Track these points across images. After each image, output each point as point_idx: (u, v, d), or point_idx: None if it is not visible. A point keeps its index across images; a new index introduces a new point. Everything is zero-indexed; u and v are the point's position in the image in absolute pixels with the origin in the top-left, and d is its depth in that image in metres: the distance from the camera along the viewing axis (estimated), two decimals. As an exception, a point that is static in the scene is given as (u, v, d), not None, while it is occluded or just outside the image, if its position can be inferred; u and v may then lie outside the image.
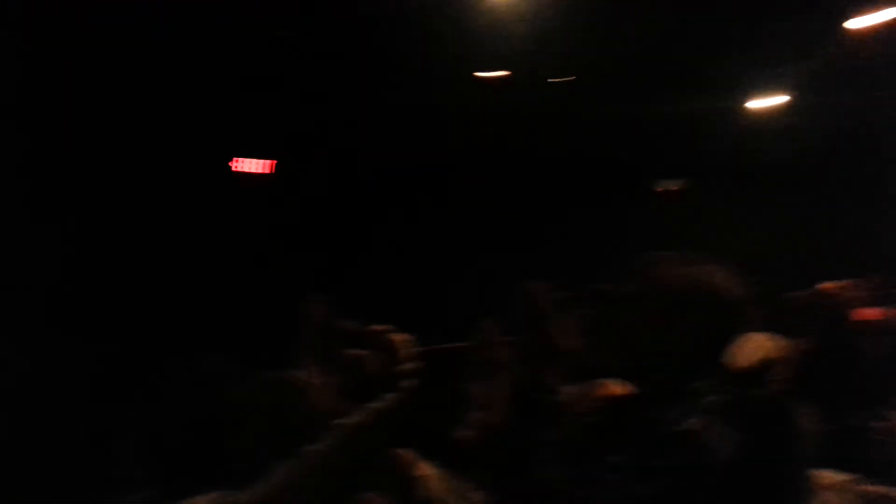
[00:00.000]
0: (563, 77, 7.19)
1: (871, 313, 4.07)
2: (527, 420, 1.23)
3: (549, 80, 7.22)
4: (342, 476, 1.57)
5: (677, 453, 1.18)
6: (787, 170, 8.60)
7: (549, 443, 1.20)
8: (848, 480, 1.53)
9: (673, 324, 1.32)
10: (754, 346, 3.28)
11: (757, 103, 7.74)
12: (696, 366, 1.33)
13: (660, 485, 1.14)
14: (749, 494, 1.21)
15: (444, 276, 7.01)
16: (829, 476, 1.56)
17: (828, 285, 3.47)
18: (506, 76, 7.05)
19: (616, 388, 1.47)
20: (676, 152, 8.76)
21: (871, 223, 8.22)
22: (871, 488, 1.38)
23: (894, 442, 1.64)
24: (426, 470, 1.73)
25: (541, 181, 8.06)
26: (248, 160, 7.29)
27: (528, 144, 7.96)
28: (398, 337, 3.31)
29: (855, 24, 6.27)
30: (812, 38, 6.22)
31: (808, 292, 3.04)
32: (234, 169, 7.25)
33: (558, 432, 1.21)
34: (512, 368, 1.30)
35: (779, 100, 7.55)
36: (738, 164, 8.65)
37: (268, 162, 7.28)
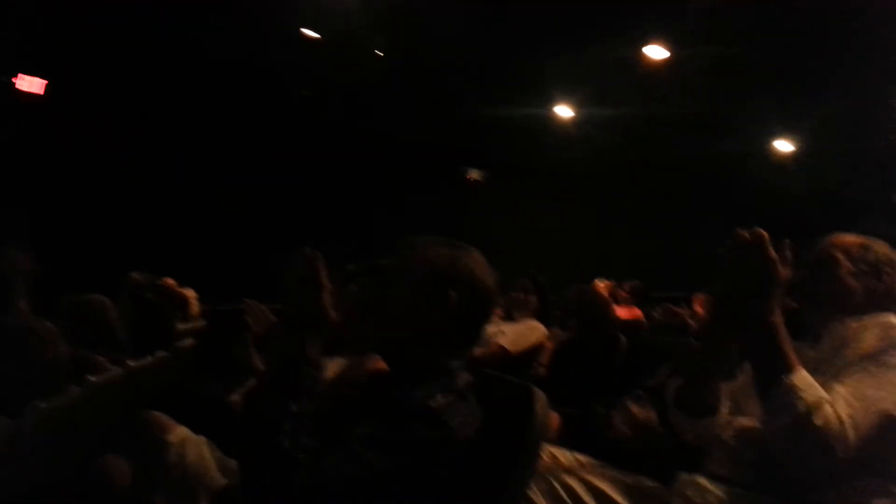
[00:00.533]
0: (385, 51, 7.16)
1: (627, 312, 4.57)
2: (284, 389, 1.21)
3: (374, 52, 7.15)
4: (84, 435, 1.46)
5: (421, 428, 1.23)
6: (585, 172, 9.31)
7: (302, 413, 1.19)
8: (585, 461, 1.67)
9: (429, 304, 1.38)
10: (523, 332, 3.55)
11: (565, 110, 8.27)
12: (449, 346, 1.39)
13: (401, 458, 1.18)
14: (485, 472, 1.29)
15: (230, 234, 6.72)
16: (566, 456, 1.69)
17: (594, 284, 3.83)
18: (326, 40, 6.88)
19: (375, 363, 1.49)
20: (485, 144, 9.12)
21: (653, 229, 9.19)
22: (607, 471, 1.53)
23: (631, 429, 1.83)
24: (181, 435, 1.65)
25: (346, 153, 8.02)
26: (27, 77, 6.47)
27: (339, 112, 7.85)
28: (184, 291, 3.14)
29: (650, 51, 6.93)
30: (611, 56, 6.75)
31: (575, 288, 3.31)
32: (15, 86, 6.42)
33: (312, 403, 1.21)
34: (276, 335, 1.28)
35: (588, 109, 8.12)
36: (540, 163, 9.21)
37: (42, 82, 6.50)
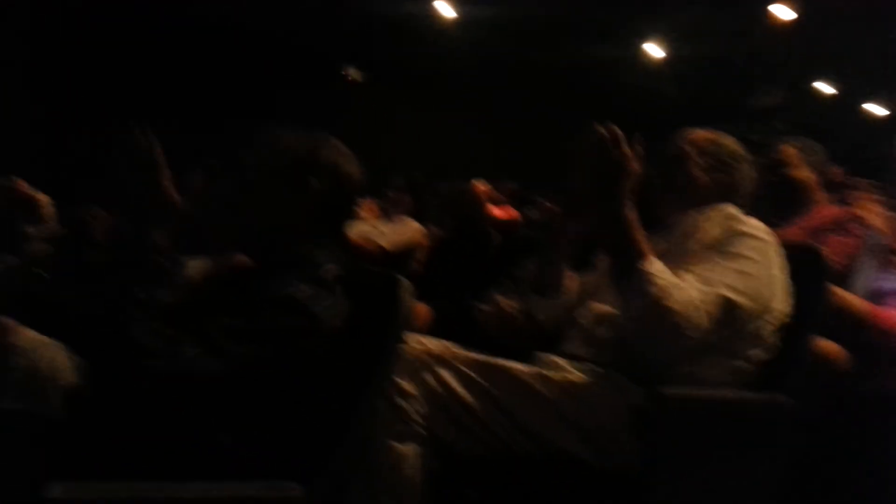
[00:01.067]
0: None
1: (504, 213, 4.68)
2: (130, 276, 1.16)
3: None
4: None
5: (283, 317, 1.22)
6: (466, 74, 9.23)
7: (152, 301, 1.15)
8: (454, 349, 1.72)
9: (290, 192, 1.35)
10: (399, 231, 3.58)
11: (447, 9, 8.06)
12: (313, 236, 1.38)
13: (262, 348, 1.18)
14: (351, 361, 1.31)
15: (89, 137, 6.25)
16: (435, 344, 1.74)
17: (471, 184, 3.88)
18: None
19: (239, 259, 1.46)
20: (365, 44, 8.81)
21: (531, 130, 9.33)
22: (472, 355, 1.58)
23: (495, 317, 1.90)
24: (30, 338, 1.55)
25: (218, 50, 7.54)
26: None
27: (222, 11, 7.32)
28: (36, 195, 2.91)
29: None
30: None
31: (451, 188, 3.35)
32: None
33: (163, 293, 1.16)
34: (122, 222, 1.22)
35: (469, 9, 7.94)
36: (421, 64, 9.03)
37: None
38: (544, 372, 1.57)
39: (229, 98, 7.23)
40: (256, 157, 1.40)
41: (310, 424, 1.29)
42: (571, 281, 1.86)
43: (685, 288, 1.49)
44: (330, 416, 1.30)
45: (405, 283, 1.38)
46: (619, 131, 1.53)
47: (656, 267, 1.49)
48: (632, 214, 1.52)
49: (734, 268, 1.54)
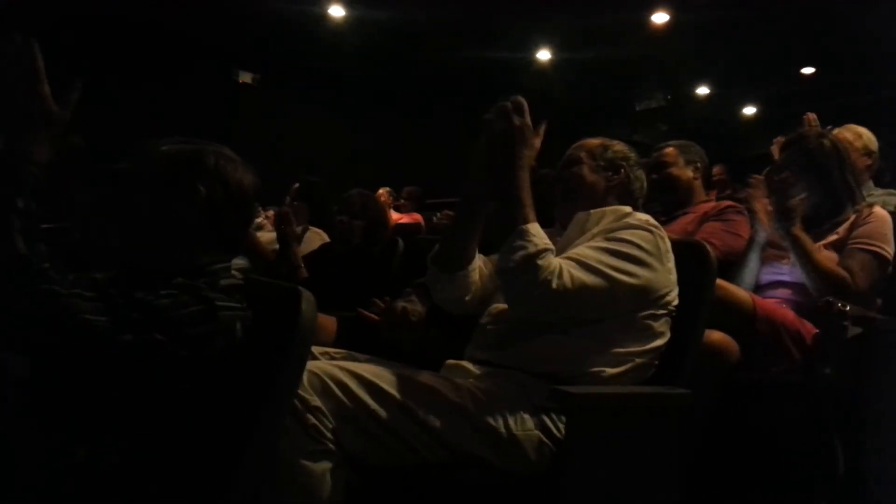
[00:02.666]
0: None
1: (407, 217, 4.68)
2: (7, 185, 1.12)
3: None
4: None
5: (185, 297, 1.21)
6: (359, 75, 9.14)
7: (30, 211, 1.12)
8: (360, 359, 1.68)
9: (176, 200, 1.30)
10: (309, 238, 3.49)
11: (338, 10, 7.95)
12: (206, 247, 1.33)
13: (163, 324, 1.18)
14: (253, 372, 1.27)
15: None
16: (342, 354, 1.70)
17: (378, 191, 3.86)
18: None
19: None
20: (256, 45, 8.58)
21: (426, 133, 9.36)
22: (377, 366, 1.56)
23: (395, 324, 1.88)
24: None
25: (120, 45, 7.17)
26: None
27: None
28: None
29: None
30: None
31: (357, 193, 3.31)
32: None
33: (38, 205, 1.12)
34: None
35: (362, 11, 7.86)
36: (314, 65, 8.88)
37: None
38: (451, 378, 1.57)
39: (112, 102, 6.86)
40: (135, 167, 1.35)
41: (208, 439, 1.24)
42: (481, 263, 1.86)
43: (562, 260, 1.54)
44: (230, 431, 1.25)
45: (307, 294, 1.35)
46: (523, 101, 1.62)
47: (536, 228, 1.56)
48: (524, 177, 1.58)
49: (621, 250, 1.60)
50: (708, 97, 10.47)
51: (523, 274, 1.50)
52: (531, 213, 1.56)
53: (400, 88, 9.55)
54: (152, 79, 7.58)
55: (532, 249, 1.51)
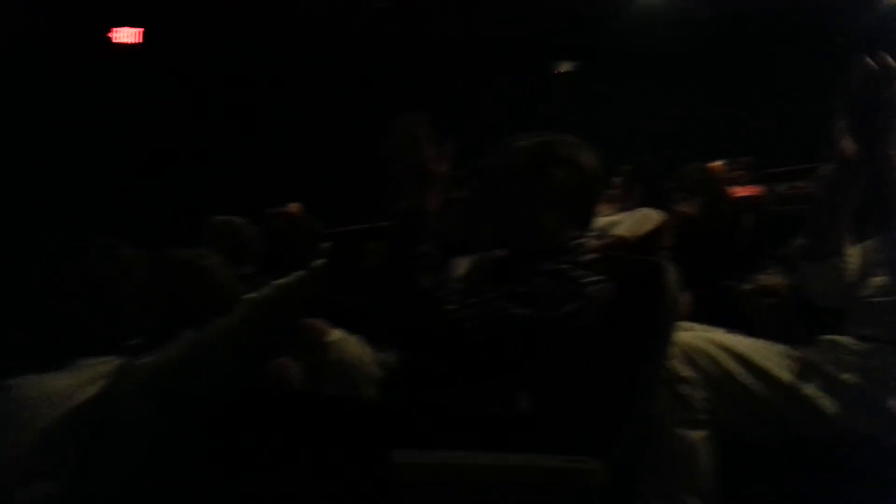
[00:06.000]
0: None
1: (745, 190, 4.41)
2: (411, 236, 1.29)
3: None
4: (251, 346, 1.62)
5: (554, 285, 1.31)
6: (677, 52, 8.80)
7: (431, 254, 1.27)
8: (721, 335, 1.69)
9: (535, 187, 1.44)
10: (639, 219, 3.52)
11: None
12: (563, 228, 1.44)
13: (541, 311, 1.27)
14: (622, 346, 1.35)
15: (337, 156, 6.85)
16: (703, 329, 1.73)
17: (713, 164, 3.71)
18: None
19: (497, 254, 1.57)
20: (570, 32, 8.72)
21: (755, 106, 8.68)
22: (746, 339, 1.56)
23: (762, 299, 1.84)
24: (338, 335, 1.80)
25: (433, 57, 7.90)
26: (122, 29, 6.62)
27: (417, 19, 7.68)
28: (303, 218, 3.32)
29: None
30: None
31: (693, 168, 3.24)
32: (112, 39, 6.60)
33: (438, 246, 1.30)
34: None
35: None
36: (630, 46, 8.76)
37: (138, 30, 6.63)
38: (832, 354, 1.49)
39: (451, 107, 7.58)
40: (496, 161, 1.51)
41: (591, 399, 1.34)
42: (853, 251, 1.72)
43: None
44: (611, 394, 1.34)
45: (670, 267, 1.40)
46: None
47: None
48: None
49: None
50: None
51: None
52: None
53: (720, 61, 8.93)
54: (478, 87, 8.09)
55: None
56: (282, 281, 1.66)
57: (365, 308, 2.01)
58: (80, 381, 1.30)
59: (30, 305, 1.40)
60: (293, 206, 3.29)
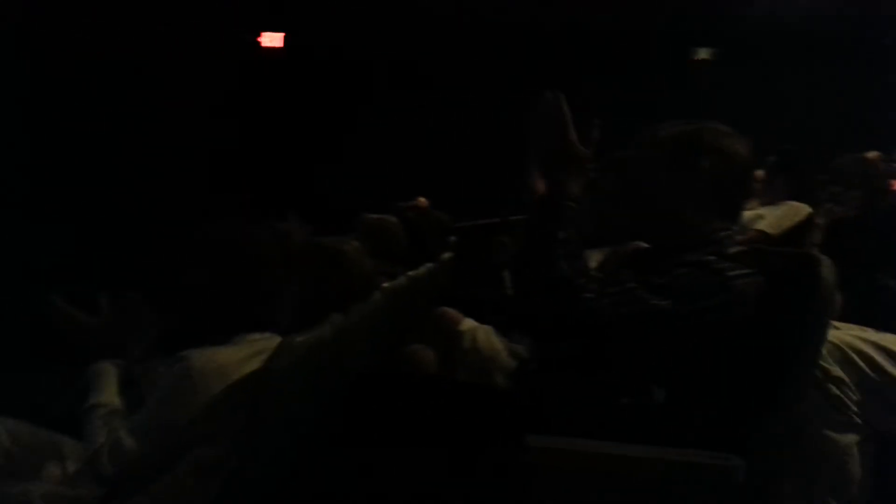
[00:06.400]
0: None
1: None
2: (550, 221, 1.26)
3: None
4: (388, 331, 1.68)
5: (698, 277, 1.26)
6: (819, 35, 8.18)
7: (571, 241, 1.24)
8: (878, 334, 1.59)
9: (682, 176, 1.39)
10: (784, 214, 3.32)
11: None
12: (710, 217, 1.39)
13: (681, 303, 1.23)
14: (773, 340, 1.28)
15: (468, 153, 6.91)
16: (855, 329, 1.62)
17: (871, 155, 3.43)
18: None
19: (634, 246, 1.53)
20: (705, 19, 8.32)
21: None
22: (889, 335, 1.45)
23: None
24: (470, 325, 1.84)
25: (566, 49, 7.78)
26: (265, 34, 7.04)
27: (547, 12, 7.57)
28: (436, 213, 3.42)
29: None
30: None
31: (849, 159, 3.02)
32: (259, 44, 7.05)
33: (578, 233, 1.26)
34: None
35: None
36: (771, 28, 8.23)
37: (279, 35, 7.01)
38: None
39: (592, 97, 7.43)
40: (640, 151, 1.47)
41: (733, 395, 1.29)
42: None
43: None
44: (756, 391, 1.29)
45: (825, 260, 1.32)
46: None
47: None
48: None
49: None
50: None
51: None
52: None
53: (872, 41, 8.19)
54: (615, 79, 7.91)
55: None
56: (413, 272, 1.72)
57: (496, 299, 2.04)
58: (245, 354, 1.40)
59: (204, 284, 1.53)
60: (421, 200, 3.39)
